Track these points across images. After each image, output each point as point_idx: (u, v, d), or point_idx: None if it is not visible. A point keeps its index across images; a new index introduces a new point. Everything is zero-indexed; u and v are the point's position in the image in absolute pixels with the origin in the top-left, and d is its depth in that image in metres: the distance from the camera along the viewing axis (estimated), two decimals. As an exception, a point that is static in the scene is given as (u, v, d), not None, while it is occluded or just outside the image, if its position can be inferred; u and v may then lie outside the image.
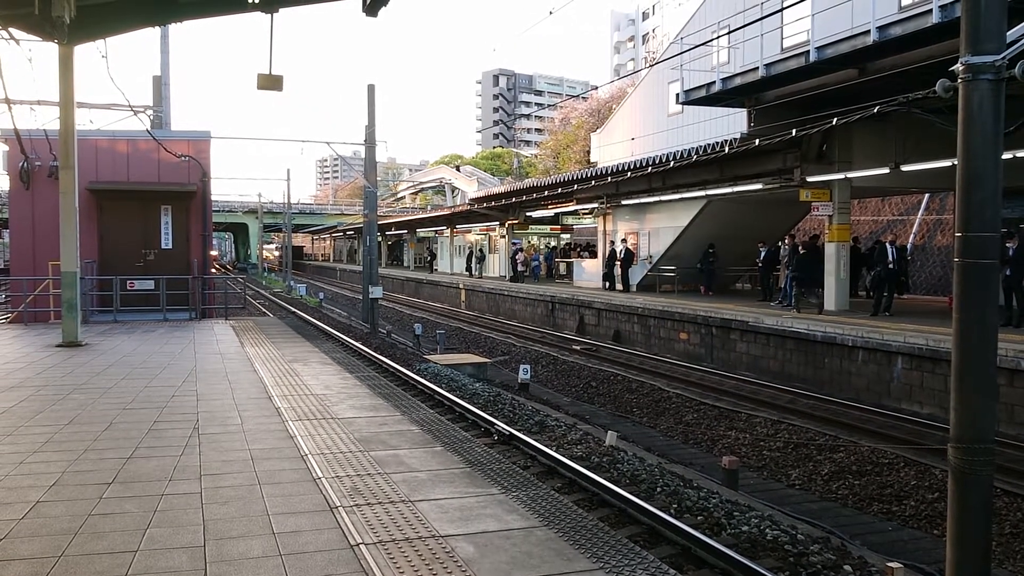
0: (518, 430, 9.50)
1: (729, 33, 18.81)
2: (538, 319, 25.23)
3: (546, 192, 28.11)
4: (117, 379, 9.45)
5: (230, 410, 7.69)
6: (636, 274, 24.51)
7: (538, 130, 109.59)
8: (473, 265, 37.38)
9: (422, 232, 51.35)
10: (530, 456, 8.54)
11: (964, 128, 4.05)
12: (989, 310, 4.12)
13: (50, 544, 4.17)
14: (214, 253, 56.76)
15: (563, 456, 8.22)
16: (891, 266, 15.93)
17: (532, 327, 24.19)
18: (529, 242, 38.52)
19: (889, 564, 5.75)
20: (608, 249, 25.81)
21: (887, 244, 16.25)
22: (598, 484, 7.29)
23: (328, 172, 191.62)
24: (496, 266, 36.25)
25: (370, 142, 24.72)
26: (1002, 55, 3.94)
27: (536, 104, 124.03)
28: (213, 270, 23.34)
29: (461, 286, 33.03)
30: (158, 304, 16.50)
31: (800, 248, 18.43)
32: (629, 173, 21.74)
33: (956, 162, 4.12)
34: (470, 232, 40.00)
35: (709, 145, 17.84)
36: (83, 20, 11.38)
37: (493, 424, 9.62)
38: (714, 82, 18.06)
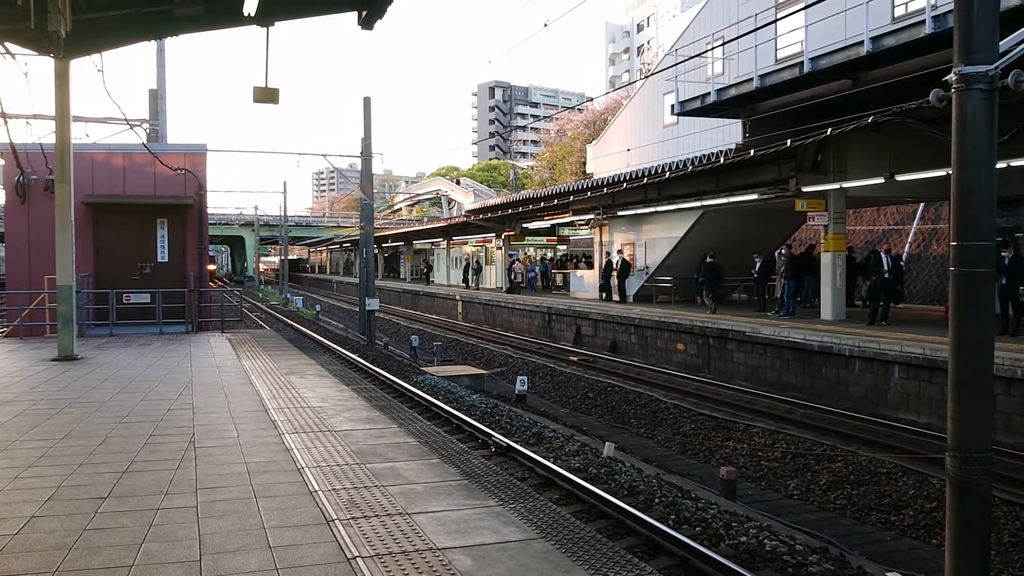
0: (515, 442, 9.48)
1: (724, 44, 18.93)
2: (535, 330, 25.22)
3: (542, 203, 28.17)
4: (113, 393, 9.41)
5: (226, 423, 7.66)
6: (633, 285, 24.53)
7: (534, 142, 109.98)
8: (470, 277, 37.40)
9: (418, 244, 51.38)
10: (527, 468, 8.52)
11: (958, 137, 4.07)
12: (985, 319, 4.13)
13: (45, 559, 4.14)
14: (212, 267, 56.78)
15: (561, 467, 8.20)
16: (887, 275, 15.96)
17: (529, 338, 24.18)
18: (526, 253, 38.56)
19: (888, 574, 5.74)
20: (604, 260, 25.84)
21: (882, 253, 16.29)
22: (596, 495, 7.27)
23: (324, 184, 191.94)
24: (493, 278, 36.26)
25: (366, 154, 24.77)
26: (995, 65, 3.96)
27: (532, 116, 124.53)
28: (212, 284, 23.27)
29: (458, 298, 33.02)
30: (154, 317, 16.46)
31: (707, 257, 19.27)
32: (625, 184, 21.80)
33: (951, 171, 4.13)
34: (467, 244, 40.03)
35: (704, 156, 17.89)
36: (79, 34, 11.40)
37: (490, 436, 9.60)
38: (709, 93, 18.14)
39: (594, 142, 40.88)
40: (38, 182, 16.74)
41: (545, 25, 20.53)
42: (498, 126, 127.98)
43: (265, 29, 11.34)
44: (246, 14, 10.45)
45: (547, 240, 39.09)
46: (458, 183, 68.67)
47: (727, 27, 21.52)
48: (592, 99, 59.12)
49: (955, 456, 4.08)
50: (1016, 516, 7.96)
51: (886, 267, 15.94)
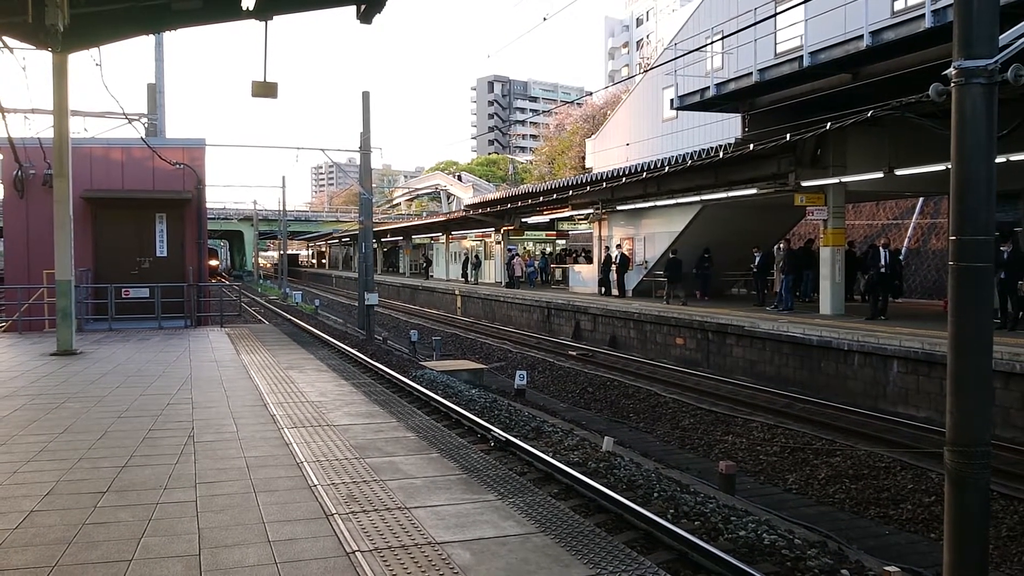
0: (514, 436, 9.48)
1: (723, 38, 18.89)
2: (534, 325, 25.22)
3: (541, 198, 28.14)
4: (112, 387, 9.41)
5: (225, 418, 7.67)
6: (632, 279, 24.52)
7: (533, 136, 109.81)
8: (469, 271, 37.37)
9: (418, 239, 51.36)
10: (527, 462, 8.53)
11: (957, 132, 4.06)
12: (984, 313, 4.13)
13: (44, 554, 4.14)
14: (214, 263, 56.55)
15: (560, 462, 8.21)
16: (883, 270, 15.94)
17: (528, 333, 24.17)
18: (525, 248, 38.57)
19: (886, 568, 5.75)
20: (604, 254, 25.82)
21: (880, 248, 16.28)
22: (595, 490, 7.28)
23: (323, 179, 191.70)
24: (492, 272, 36.25)
25: (365, 149, 24.74)
26: (994, 59, 3.96)
27: (531, 110, 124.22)
28: (214, 280, 23.20)
29: (457, 292, 33.00)
30: (153, 312, 16.46)
31: (670, 253, 19.69)
32: (624, 178, 21.77)
33: (950, 166, 4.13)
34: (466, 238, 40.01)
35: (704, 150, 17.87)
36: (77, 28, 11.37)
37: (489, 430, 9.60)
38: (708, 87, 18.11)
39: (593, 137, 40.85)
40: (36, 177, 16.71)
41: (544, 19, 20.50)
42: (497, 120, 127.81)
43: (264, 23, 11.32)
44: (244, 8, 10.44)
45: (546, 235, 39.08)
46: (458, 178, 68.59)
47: (726, 21, 21.47)
48: (591, 93, 59.07)
49: (954, 450, 4.08)
50: (1014, 510, 7.98)
51: (883, 262, 15.93)
